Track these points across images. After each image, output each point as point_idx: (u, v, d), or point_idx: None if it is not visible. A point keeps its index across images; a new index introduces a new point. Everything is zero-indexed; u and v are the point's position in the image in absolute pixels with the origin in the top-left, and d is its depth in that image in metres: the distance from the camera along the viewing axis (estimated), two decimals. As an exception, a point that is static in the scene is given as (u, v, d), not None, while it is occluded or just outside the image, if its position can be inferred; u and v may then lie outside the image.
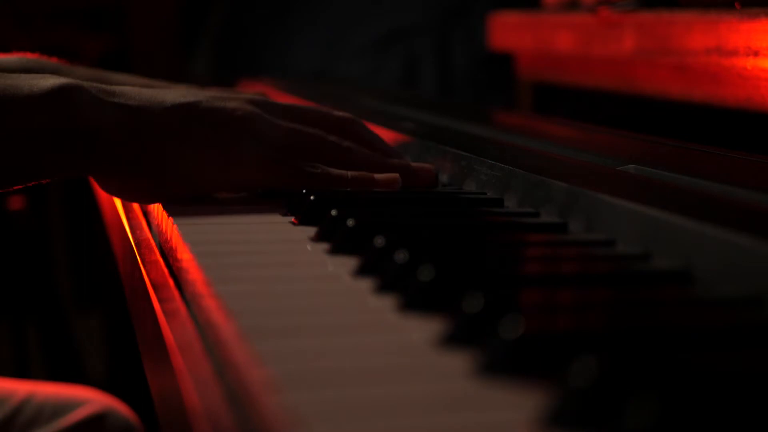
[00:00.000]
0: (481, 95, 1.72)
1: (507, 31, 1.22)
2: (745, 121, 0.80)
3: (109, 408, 0.98)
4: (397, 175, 0.68)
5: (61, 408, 0.97)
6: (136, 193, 0.65)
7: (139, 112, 0.62)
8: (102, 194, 0.91)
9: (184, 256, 0.53)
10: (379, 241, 0.48)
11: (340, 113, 0.72)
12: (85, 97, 0.60)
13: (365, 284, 0.46)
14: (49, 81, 0.60)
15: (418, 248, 0.46)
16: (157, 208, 0.64)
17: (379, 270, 0.47)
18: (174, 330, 0.44)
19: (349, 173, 0.66)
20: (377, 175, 0.67)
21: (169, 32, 2.12)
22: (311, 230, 0.57)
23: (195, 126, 0.63)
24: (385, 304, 0.43)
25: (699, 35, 0.81)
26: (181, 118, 0.63)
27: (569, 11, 1.08)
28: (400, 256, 0.45)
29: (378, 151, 0.71)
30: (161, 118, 0.62)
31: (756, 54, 0.75)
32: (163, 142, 0.62)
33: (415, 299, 0.42)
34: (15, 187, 0.65)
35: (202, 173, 0.64)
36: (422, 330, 0.40)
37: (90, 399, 0.99)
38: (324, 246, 0.54)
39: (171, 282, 0.52)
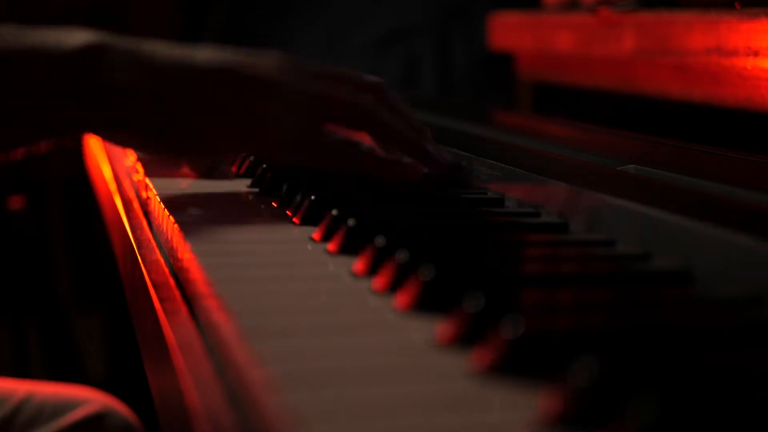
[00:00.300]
0: (481, 95, 1.72)
1: (507, 31, 1.22)
2: (745, 121, 0.80)
3: (109, 408, 0.98)
4: (421, 166, 0.66)
5: (60, 408, 0.97)
6: (156, 151, 0.66)
7: (166, 72, 0.61)
8: (102, 194, 0.91)
9: (185, 255, 0.53)
10: (380, 241, 0.48)
11: (372, 78, 0.70)
12: (114, 55, 0.60)
13: (366, 284, 0.46)
14: (80, 37, 0.60)
15: (419, 248, 0.46)
16: (158, 208, 0.64)
17: (379, 270, 0.47)
18: (174, 330, 0.44)
19: (371, 157, 0.64)
20: (404, 161, 0.65)
21: (169, 32, 2.12)
22: (312, 230, 0.57)
23: (221, 91, 0.62)
24: (386, 304, 0.43)
25: (699, 35, 0.81)
26: (208, 82, 0.62)
27: (569, 11, 1.08)
28: (401, 256, 0.45)
29: (408, 123, 0.69)
30: (188, 81, 0.62)
31: (756, 54, 0.75)
32: (187, 107, 0.62)
33: (415, 299, 0.42)
34: (41, 141, 0.64)
35: (225, 139, 0.64)
36: (422, 330, 0.40)
37: (89, 399, 0.99)
38: (325, 246, 0.54)
39: (171, 282, 0.52)
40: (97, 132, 0.64)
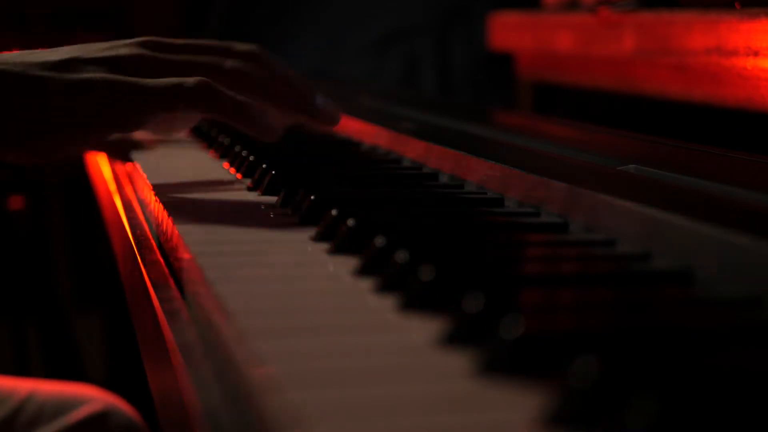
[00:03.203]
0: (481, 95, 1.72)
1: (507, 31, 1.22)
2: (745, 121, 0.80)
3: (112, 406, 0.98)
4: (276, 126, 0.65)
5: (63, 406, 0.97)
6: (28, 158, 0.66)
7: (15, 77, 0.62)
8: (102, 194, 0.91)
9: (185, 255, 0.53)
10: (380, 240, 0.48)
11: (244, 46, 0.70)
12: None
13: (366, 284, 0.46)
14: None
15: (419, 248, 0.46)
16: (157, 208, 0.64)
17: (379, 270, 0.47)
18: (174, 330, 0.44)
19: (235, 97, 0.63)
20: (262, 117, 0.64)
21: (169, 33, 2.12)
22: (312, 230, 0.57)
23: (54, 95, 0.63)
24: (386, 304, 0.43)
25: (699, 35, 0.81)
26: (45, 88, 0.63)
27: (569, 11, 1.08)
28: (401, 255, 0.45)
29: (286, 81, 0.70)
30: (46, 81, 0.62)
31: (756, 54, 0.75)
32: (20, 113, 0.62)
33: (415, 299, 0.42)
34: None
35: (62, 144, 0.65)
36: (423, 330, 0.40)
37: (92, 397, 0.99)
38: (324, 246, 0.54)
39: (171, 282, 0.52)
40: None
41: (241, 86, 0.67)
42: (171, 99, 0.63)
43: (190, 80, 0.62)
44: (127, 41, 0.68)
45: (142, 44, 0.67)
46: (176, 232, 0.56)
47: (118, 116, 0.63)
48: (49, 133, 0.63)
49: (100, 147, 0.70)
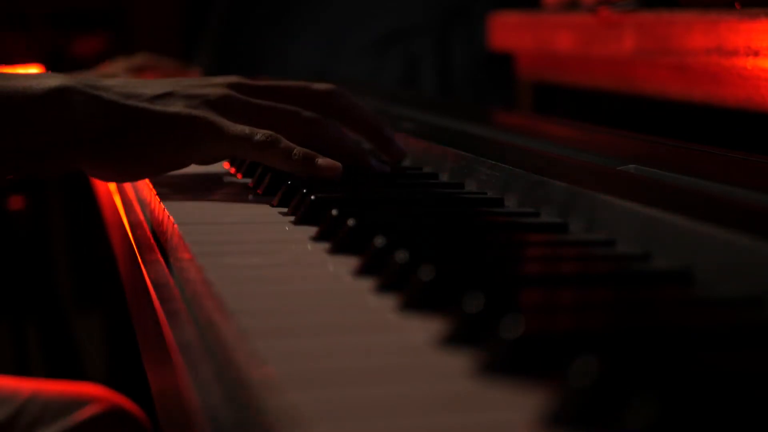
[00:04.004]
0: (481, 95, 1.72)
1: (507, 31, 1.22)
2: (745, 121, 0.80)
3: (116, 406, 0.98)
4: (338, 165, 0.68)
5: (66, 406, 0.96)
6: (112, 178, 0.71)
7: (113, 105, 0.67)
8: (102, 193, 0.91)
9: (185, 255, 0.53)
10: (380, 240, 0.48)
11: (322, 86, 0.75)
12: (77, 96, 0.66)
13: (366, 284, 0.46)
14: (47, 81, 0.66)
15: (419, 248, 0.46)
16: (158, 208, 0.64)
17: (379, 270, 0.47)
18: (174, 330, 0.44)
19: (296, 149, 0.68)
20: (320, 160, 0.68)
21: (169, 33, 2.12)
22: (311, 230, 0.57)
23: (169, 104, 0.68)
24: (386, 304, 0.43)
25: (699, 35, 0.81)
26: (160, 100, 0.68)
27: (569, 11, 1.08)
28: (401, 255, 0.45)
29: (362, 123, 0.75)
30: (138, 110, 0.67)
31: (756, 54, 0.75)
32: (130, 135, 0.67)
33: (415, 299, 0.42)
34: (12, 175, 0.71)
35: (163, 164, 0.69)
36: (422, 330, 0.40)
37: (97, 397, 0.98)
38: (324, 246, 0.54)
39: (171, 282, 0.52)
40: (66, 167, 0.69)
41: (315, 138, 0.72)
42: (240, 147, 0.68)
43: (259, 136, 0.67)
44: (218, 80, 0.73)
45: (230, 85, 0.72)
46: (176, 231, 0.56)
47: (194, 152, 0.69)
48: (135, 160, 0.68)
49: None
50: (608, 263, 0.49)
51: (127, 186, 0.80)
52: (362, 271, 0.48)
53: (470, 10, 1.70)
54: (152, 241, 0.62)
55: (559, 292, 0.44)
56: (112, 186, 0.84)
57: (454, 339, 0.38)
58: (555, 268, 0.48)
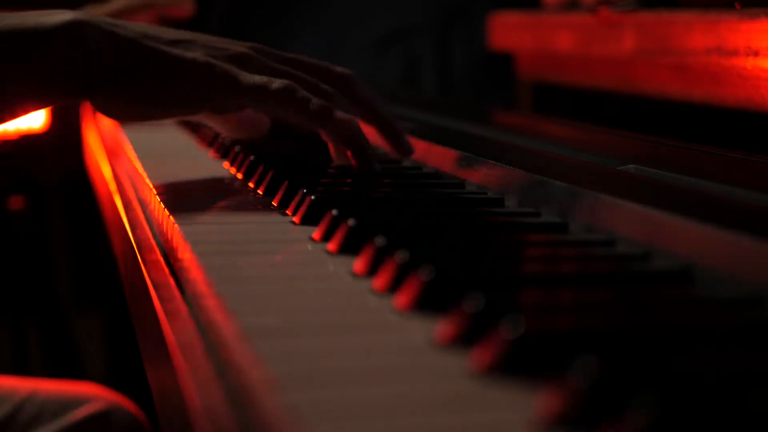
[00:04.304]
0: (481, 95, 1.72)
1: (507, 31, 1.22)
2: (745, 121, 0.80)
3: (115, 405, 0.98)
4: (355, 119, 0.68)
5: (64, 405, 0.96)
6: (130, 116, 0.71)
7: (130, 42, 0.67)
8: (102, 194, 0.91)
9: (185, 255, 0.53)
10: (380, 240, 0.48)
11: (340, 69, 0.75)
12: (91, 31, 0.66)
13: (366, 284, 0.46)
14: (60, 17, 0.66)
15: (419, 248, 0.46)
16: (158, 208, 0.64)
17: (379, 270, 0.47)
18: (175, 330, 0.44)
19: (314, 99, 0.67)
20: (338, 113, 0.67)
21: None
22: (312, 230, 0.57)
23: (188, 50, 0.69)
24: (386, 304, 0.43)
25: (699, 35, 0.81)
26: (178, 45, 0.69)
27: (569, 11, 1.08)
28: (401, 255, 0.45)
29: (375, 114, 0.74)
30: (154, 51, 0.67)
31: (756, 54, 0.75)
32: (143, 74, 0.67)
33: (415, 299, 0.42)
34: (29, 110, 0.70)
35: (173, 107, 0.69)
36: (422, 330, 0.40)
37: (95, 396, 0.98)
38: (324, 246, 0.54)
39: (172, 282, 0.52)
40: (78, 98, 0.69)
41: (326, 123, 0.70)
42: (256, 96, 0.67)
43: (276, 83, 0.67)
44: (241, 42, 0.73)
45: (252, 47, 0.72)
46: (177, 231, 0.56)
47: (208, 98, 0.69)
48: (147, 100, 0.68)
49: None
50: (608, 263, 0.49)
51: (127, 186, 0.80)
52: (362, 271, 0.48)
53: (470, 10, 1.70)
54: (152, 241, 0.62)
55: (559, 292, 0.44)
56: (113, 186, 0.84)
57: (455, 339, 0.38)
58: (555, 268, 0.48)
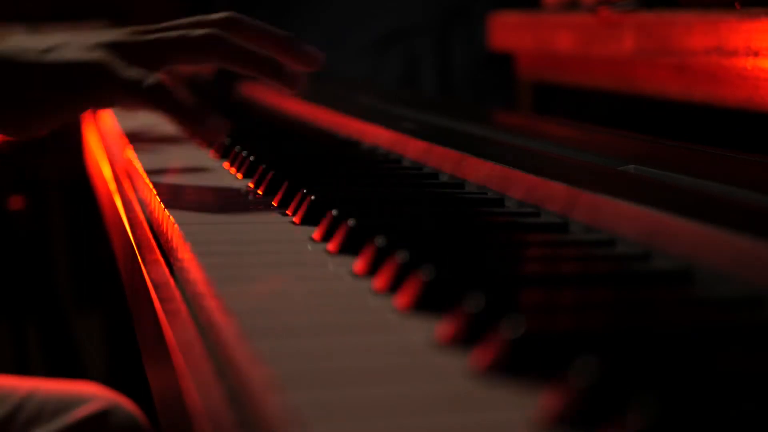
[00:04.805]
0: (481, 95, 1.72)
1: (507, 31, 1.22)
2: (745, 121, 0.80)
3: (115, 404, 0.98)
4: (227, 124, 0.67)
5: (64, 405, 0.96)
6: (20, 135, 0.72)
7: (5, 64, 0.68)
8: (102, 194, 0.91)
9: (185, 255, 0.53)
10: (380, 241, 0.48)
11: (218, 15, 0.72)
12: None
13: (366, 284, 0.46)
14: None
15: (419, 248, 0.46)
16: (158, 208, 0.64)
17: (379, 270, 0.47)
18: (175, 330, 0.44)
19: (187, 101, 0.66)
20: (210, 119, 0.66)
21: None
22: (312, 230, 0.57)
23: (58, 53, 0.68)
24: (386, 304, 0.43)
25: (699, 35, 0.81)
26: (49, 52, 0.69)
27: (569, 11, 1.08)
28: (401, 255, 0.45)
29: (267, 39, 0.72)
30: (25, 69, 0.68)
31: (756, 54, 0.75)
32: (26, 91, 0.68)
33: (415, 299, 0.42)
34: None
35: (62, 114, 0.70)
36: (423, 330, 0.40)
37: (94, 395, 0.98)
38: (324, 246, 0.54)
39: (172, 282, 0.52)
40: None
41: (211, 54, 0.70)
42: (131, 93, 0.66)
43: (150, 80, 0.65)
44: (117, 29, 0.72)
45: (125, 32, 0.71)
46: (176, 231, 0.56)
47: (92, 99, 0.69)
48: (32, 114, 0.69)
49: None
50: (608, 263, 0.49)
51: (127, 186, 0.80)
52: (362, 271, 0.48)
53: (470, 10, 1.70)
54: (152, 241, 0.62)
55: (559, 292, 0.44)
56: (113, 186, 0.84)
57: (455, 339, 0.38)
58: (555, 268, 0.48)
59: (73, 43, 0.69)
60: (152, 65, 0.67)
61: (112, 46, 0.69)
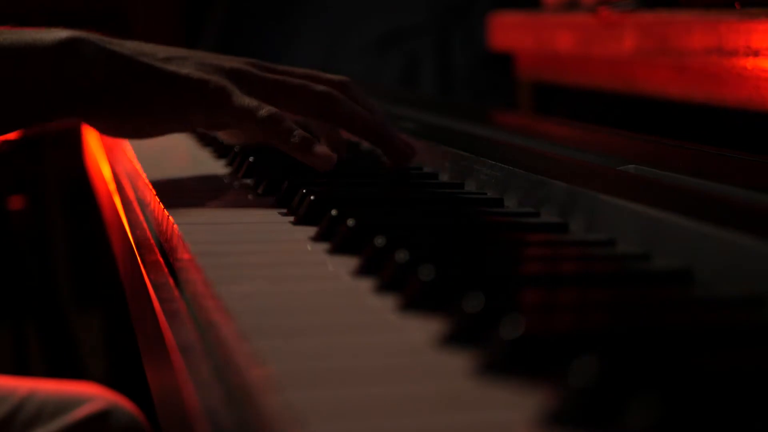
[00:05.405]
0: (481, 95, 1.72)
1: (507, 31, 1.22)
2: (745, 121, 0.80)
3: (114, 404, 0.98)
4: (333, 156, 0.68)
5: (63, 405, 0.96)
6: (121, 134, 0.73)
7: (125, 59, 0.68)
8: (102, 194, 0.91)
9: (185, 255, 0.53)
10: (380, 240, 0.48)
11: (335, 76, 0.75)
12: (87, 50, 0.68)
13: (365, 284, 0.46)
14: (57, 35, 0.68)
15: (419, 248, 0.46)
16: (157, 208, 0.64)
17: (379, 270, 0.47)
18: (174, 330, 0.44)
19: (297, 131, 0.68)
20: (317, 147, 0.68)
21: (169, 34, 2.12)
22: (311, 230, 0.57)
23: (182, 66, 0.70)
24: (386, 304, 0.43)
25: (699, 35, 0.81)
26: (172, 61, 0.70)
27: (569, 11, 1.08)
28: (401, 255, 0.45)
29: (366, 123, 0.73)
30: (148, 67, 0.69)
31: (756, 54, 0.75)
32: (146, 95, 0.69)
33: (415, 299, 0.42)
34: (22, 127, 0.73)
35: (166, 124, 0.71)
36: (422, 330, 0.40)
37: (94, 396, 0.98)
38: (324, 246, 0.54)
39: (171, 282, 0.52)
40: (72, 116, 0.70)
41: (326, 111, 0.71)
42: (244, 119, 0.68)
43: (264, 111, 0.68)
44: (235, 57, 0.74)
45: (245, 62, 0.73)
46: (176, 231, 0.56)
47: (199, 114, 0.69)
48: (140, 115, 0.69)
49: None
50: (608, 263, 0.49)
51: (127, 186, 0.80)
52: (362, 271, 0.48)
53: (470, 10, 1.70)
54: (152, 241, 0.62)
55: (559, 292, 0.44)
56: (112, 186, 0.84)
57: (454, 339, 0.38)
58: (555, 268, 0.48)
59: (191, 59, 0.70)
60: (266, 102, 0.69)
61: (233, 73, 0.70)
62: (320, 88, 0.71)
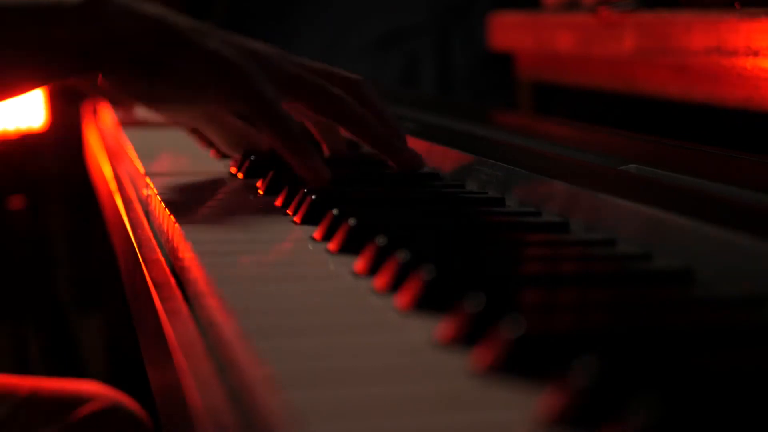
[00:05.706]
0: (481, 95, 1.72)
1: (507, 31, 1.22)
2: (745, 121, 0.80)
3: (116, 403, 0.98)
4: (327, 174, 0.67)
5: (66, 404, 0.96)
6: (145, 99, 0.72)
7: (158, 25, 0.68)
8: (102, 193, 0.91)
9: (186, 255, 0.53)
10: (381, 240, 0.48)
11: (352, 74, 0.75)
12: (112, 8, 0.67)
13: (366, 284, 0.46)
14: None
15: (420, 248, 0.46)
16: (158, 207, 0.64)
17: (380, 269, 0.47)
18: (176, 329, 0.44)
19: (303, 141, 0.67)
20: (317, 161, 0.67)
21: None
22: (312, 229, 0.57)
23: (208, 40, 0.69)
24: (387, 303, 0.43)
25: (699, 35, 0.81)
26: (199, 34, 0.69)
27: (569, 11, 1.08)
28: (402, 255, 0.45)
29: (379, 118, 0.73)
30: (176, 35, 0.68)
31: (756, 54, 0.75)
32: (174, 57, 0.68)
33: (416, 299, 0.42)
34: (45, 84, 0.73)
35: (181, 96, 0.70)
36: (423, 330, 0.40)
37: (96, 394, 0.98)
38: (325, 245, 0.54)
39: (172, 281, 0.52)
40: (95, 75, 0.70)
41: (338, 115, 0.71)
42: (258, 108, 0.67)
43: (281, 109, 0.67)
44: (257, 41, 0.73)
45: (270, 48, 0.72)
46: (177, 231, 0.56)
47: (220, 97, 0.69)
48: (165, 83, 0.68)
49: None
50: (609, 263, 0.49)
51: (128, 185, 0.80)
52: (363, 271, 0.48)
53: (470, 10, 1.70)
54: (153, 240, 0.62)
55: (560, 291, 0.44)
56: (113, 185, 0.84)
57: (455, 339, 0.38)
58: (555, 268, 0.48)
59: (215, 36, 0.69)
60: (284, 93, 0.69)
61: (256, 56, 0.69)
62: (336, 91, 0.71)
